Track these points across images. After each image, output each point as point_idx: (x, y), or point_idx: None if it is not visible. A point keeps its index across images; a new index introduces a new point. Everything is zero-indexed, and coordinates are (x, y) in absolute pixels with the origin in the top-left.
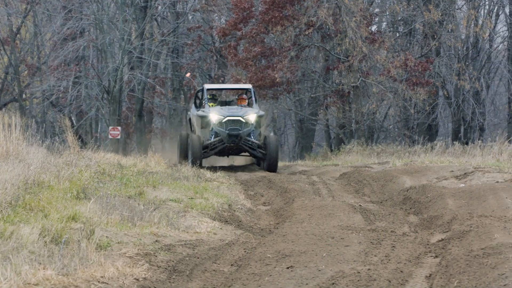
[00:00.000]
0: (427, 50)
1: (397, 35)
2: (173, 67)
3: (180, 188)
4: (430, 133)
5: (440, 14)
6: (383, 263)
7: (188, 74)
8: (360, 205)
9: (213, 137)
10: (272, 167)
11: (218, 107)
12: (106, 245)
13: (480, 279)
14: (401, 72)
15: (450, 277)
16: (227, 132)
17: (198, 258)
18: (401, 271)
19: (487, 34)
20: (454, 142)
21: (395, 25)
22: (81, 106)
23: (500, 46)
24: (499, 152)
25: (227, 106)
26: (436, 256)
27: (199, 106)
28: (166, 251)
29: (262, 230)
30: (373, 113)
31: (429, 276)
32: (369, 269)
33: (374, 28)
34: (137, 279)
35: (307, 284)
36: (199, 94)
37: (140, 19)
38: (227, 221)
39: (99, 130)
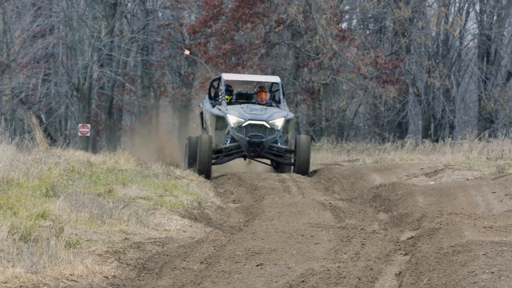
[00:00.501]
0: (397, 48)
1: (367, 32)
2: (142, 65)
3: (150, 185)
4: (400, 131)
5: (411, 12)
6: (353, 260)
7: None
8: (330, 202)
9: (229, 141)
10: (302, 172)
11: (238, 106)
12: (75, 242)
13: (450, 276)
14: (371, 69)
15: (420, 274)
16: (247, 139)
17: (167, 255)
18: (371, 269)
19: (457, 32)
20: (424, 140)
21: (365, 23)
22: (51, 103)
23: (471, 44)
24: (469, 150)
25: (248, 105)
26: (406, 254)
27: (214, 98)
28: (136, 249)
29: (231, 227)
30: (343, 110)
31: (399, 273)
32: (338, 267)
33: (344, 25)
34: (106, 277)
35: (276, 281)
36: (215, 84)
37: (110, 16)
38: (196, 219)
39: (68, 128)
